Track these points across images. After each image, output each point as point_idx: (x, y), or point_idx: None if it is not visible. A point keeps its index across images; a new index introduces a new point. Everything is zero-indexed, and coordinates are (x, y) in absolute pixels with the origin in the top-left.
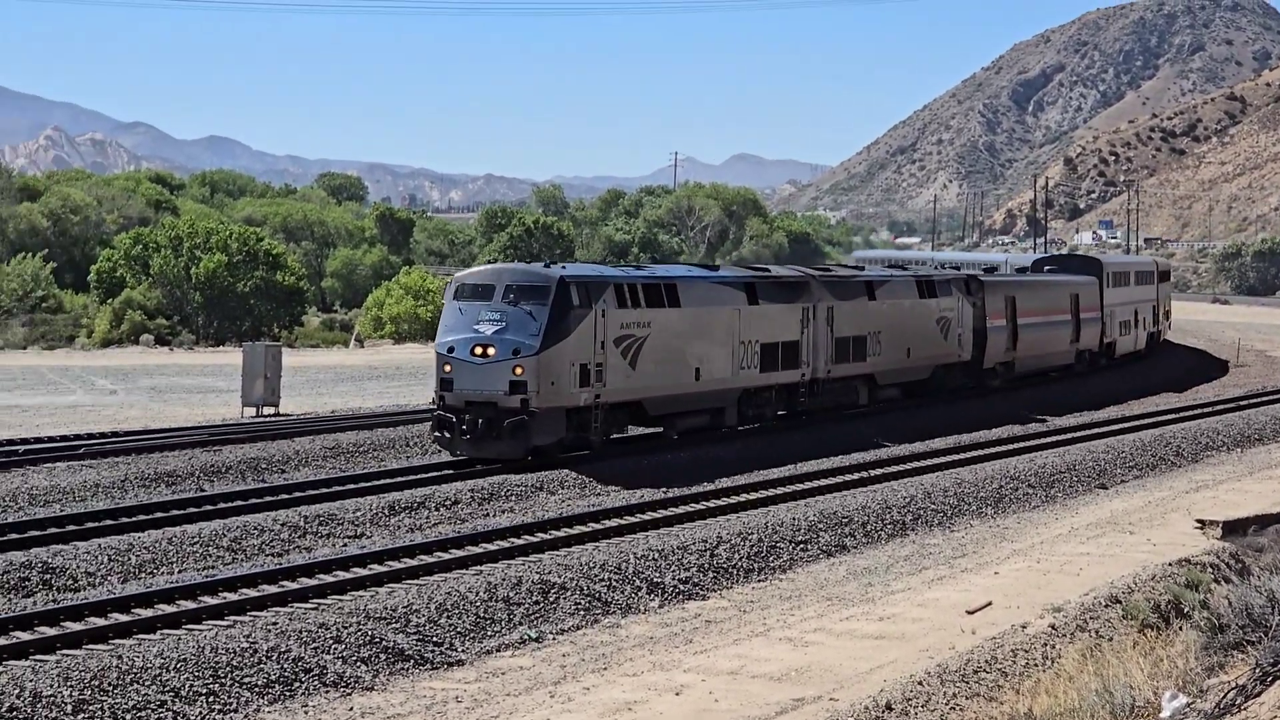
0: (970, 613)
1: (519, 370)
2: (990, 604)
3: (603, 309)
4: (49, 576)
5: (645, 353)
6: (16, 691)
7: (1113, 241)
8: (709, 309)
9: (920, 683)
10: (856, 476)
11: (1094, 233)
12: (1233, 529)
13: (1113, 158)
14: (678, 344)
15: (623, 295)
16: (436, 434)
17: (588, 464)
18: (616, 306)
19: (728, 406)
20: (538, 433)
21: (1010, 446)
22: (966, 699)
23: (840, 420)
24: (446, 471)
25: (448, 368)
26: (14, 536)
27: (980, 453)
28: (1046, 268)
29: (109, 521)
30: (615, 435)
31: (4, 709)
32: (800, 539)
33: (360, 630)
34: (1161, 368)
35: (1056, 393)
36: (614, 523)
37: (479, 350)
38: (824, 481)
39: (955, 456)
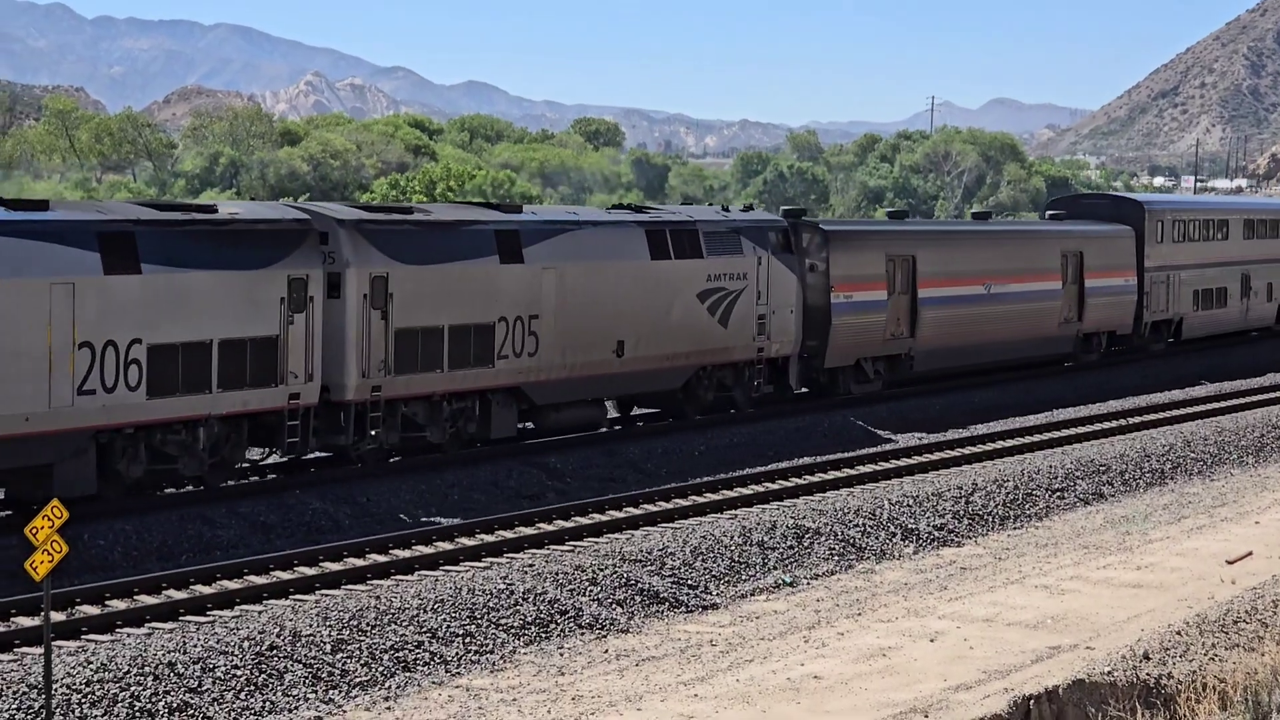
0: (1230, 562)
1: None
2: (1251, 554)
3: None
4: (309, 517)
5: None
6: (277, 630)
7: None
8: None
9: (1178, 632)
10: (1115, 425)
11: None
12: None
13: None
14: None
15: None
16: None
17: (838, 411)
18: None
19: (60, 461)
20: None
21: (1273, 396)
22: (1226, 649)
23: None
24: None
25: None
26: (274, 477)
27: (1241, 401)
28: (1049, 213)
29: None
30: None
31: (265, 647)
32: (1057, 486)
33: (616, 573)
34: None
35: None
36: (868, 468)
37: None
38: (1082, 429)
39: (1216, 405)
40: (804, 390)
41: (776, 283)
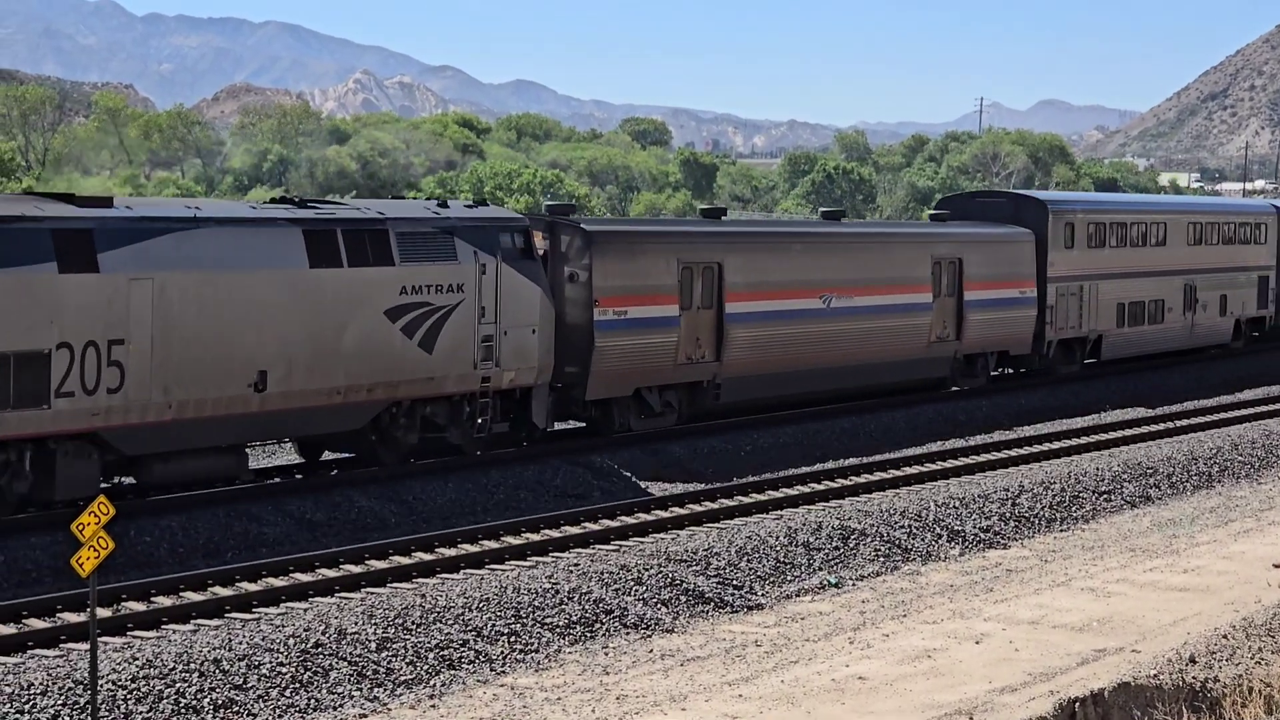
0: (1277, 566)
1: None
2: None
3: None
4: (355, 515)
5: None
6: (322, 628)
7: None
8: None
9: (1225, 636)
10: (1163, 427)
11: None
12: None
13: None
14: None
15: None
16: None
17: (887, 411)
18: None
19: None
20: None
21: None
22: (1272, 653)
23: None
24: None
25: None
26: (324, 475)
27: None
28: (930, 213)
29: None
30: None
31: (310, 645)
32: (1104, 489)
33: (661, 572)
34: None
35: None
36: (914, 470)
37: None
38: (1129, 431)
39: (1264, 408)
40: (582, 426)
41: (510, 296)
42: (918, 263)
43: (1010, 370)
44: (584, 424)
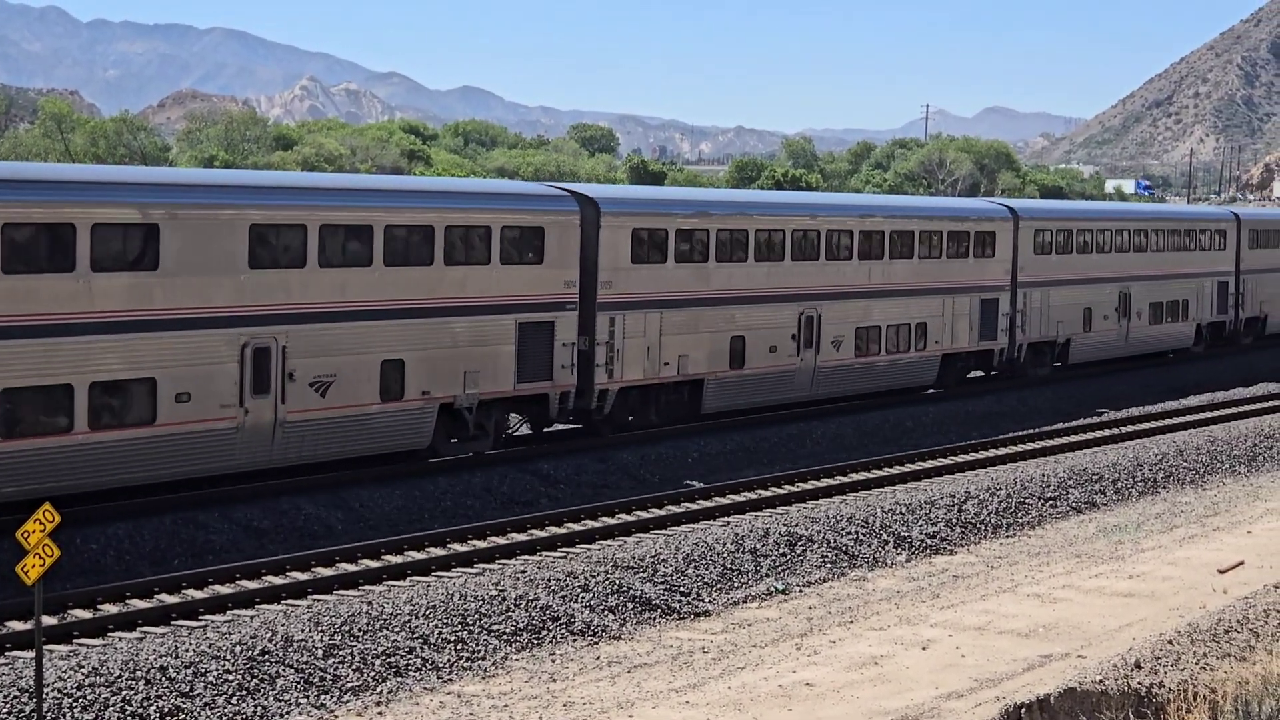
0: (1222, 572)
1: None
2: (1242, 563)
3: None
4: (302, 522)
5: None
6: (269, 635)
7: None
8: None
9: (1170, 641)
10: (1109, 433)
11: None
12: None
13: None
14: None
15: None
16: None
17: (817, 420)
18: None
19: None
20: None
21: (1265, 405)
22: (1217, 659)
23: None
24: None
25: None
26: (270, 482)
27: (1234, 410)
28: None
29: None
30: None
31: (257, 652)
32: (1049, 495)
33: (608, 579)
34: None
35: None
36: (861, 476)
37: None
38: (1075, 438)
39: (1209, 414)
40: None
41: None
42: None
43: None
44: None
